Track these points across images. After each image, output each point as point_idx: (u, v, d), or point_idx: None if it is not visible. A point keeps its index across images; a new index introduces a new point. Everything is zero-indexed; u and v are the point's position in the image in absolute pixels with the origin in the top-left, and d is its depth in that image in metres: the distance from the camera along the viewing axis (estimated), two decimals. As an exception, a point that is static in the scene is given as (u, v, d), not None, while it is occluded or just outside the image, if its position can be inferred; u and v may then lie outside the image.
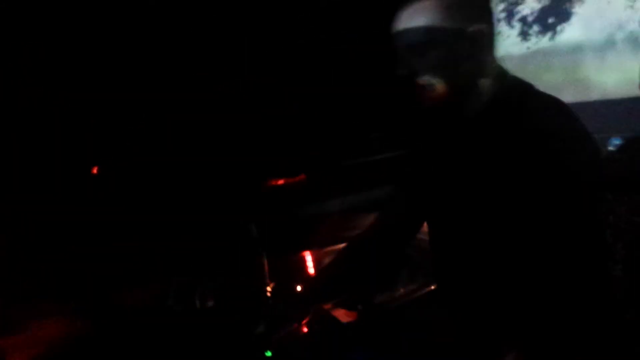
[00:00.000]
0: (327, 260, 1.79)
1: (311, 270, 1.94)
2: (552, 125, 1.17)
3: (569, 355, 1.13)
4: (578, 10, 2.86)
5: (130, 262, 1.96)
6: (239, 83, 2.41)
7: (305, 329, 1.29)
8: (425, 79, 1.20)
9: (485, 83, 1.23)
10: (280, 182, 2.55)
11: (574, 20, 2.86)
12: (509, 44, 3.08)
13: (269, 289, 1.59)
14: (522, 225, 1.17)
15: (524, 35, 3.05)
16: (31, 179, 2.12)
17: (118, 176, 2.10)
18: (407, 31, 1.20)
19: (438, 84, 1.20)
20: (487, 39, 1.23)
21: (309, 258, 2.00)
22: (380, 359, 1.29)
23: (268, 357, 1.30)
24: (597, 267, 1.16)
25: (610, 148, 2.37)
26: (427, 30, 1.18)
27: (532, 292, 1.17)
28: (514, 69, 1.29)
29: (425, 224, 1.44)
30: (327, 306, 1.59)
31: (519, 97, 1.23)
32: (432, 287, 1.73)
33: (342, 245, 1.65)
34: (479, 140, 1.24)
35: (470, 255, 1.27)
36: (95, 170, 2.11)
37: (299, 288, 1.60)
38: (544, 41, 2.98)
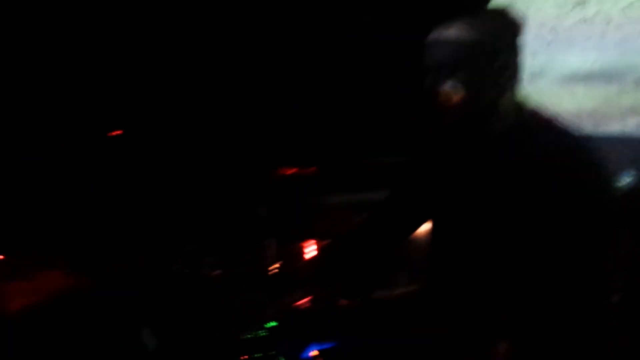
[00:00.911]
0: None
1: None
2: (569, 158, 1.21)
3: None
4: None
5: (141, 227, 1.97)
6: (260, 77, 2.43)
7: (306, 306, 1.31)
8: (451, 86, 1.24)
9: (508, 109, 1.28)
10: (293, 171, 2.58)
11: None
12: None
13: (275, 266, 1.62)
14: (529, 247, 1.21)
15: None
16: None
17: (137, 145, 2.12)
18: (444, 44, 1.24)
19: (462, 94, 1.23)
20: (516, 67, 1.27)
21: (314, 246, 2.03)
22: (369, 347, 1.31)
23: (269, 327, 1.33)
24: (597, 293, 1.20)
25: (624, 182, 2.40)
26: (462, 47, 1.23)
27: (529, 304, 1.20)
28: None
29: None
30: (328, 292, 1.61)
31: (539, 126, 1.28)
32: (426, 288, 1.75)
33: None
34: (494, 162, 1.28)
35: (471, 265, 1.30)
36: (115, 134, 2.13)
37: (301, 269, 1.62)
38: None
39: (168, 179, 2.05)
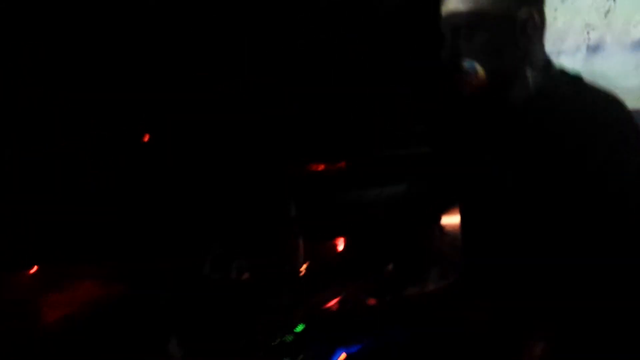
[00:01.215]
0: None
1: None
2: (606, 117, 1.13)
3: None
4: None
5: (170, 232, 1.97)
6: (281, 72, 2.40)
7: (335, 307, 1.28)
8: (468, 65, 1.17)
9: (532, 72, 1.20)
10: (321, 167, 2.54)
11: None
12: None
13: (303, 267, 1.59)
14: (566, 216, 1.13)
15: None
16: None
17: (165, 147, 2.12)
18: (454, 14, 1.18)
19: (480, 71, 1.17)
20: (536, 26, 1.19)
21: (343, 244, 1.99)
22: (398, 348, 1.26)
23: (297, 332, 1.30)
24: None
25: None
26: (472, 14, 1.16)
27: (572, 285, 1.13)
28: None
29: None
30: (357, 291, 1.57)
31: (569, 87, 1.19)
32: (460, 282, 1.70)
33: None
34: (524, 130, 1.20)
35: (506, 244, 1.23)
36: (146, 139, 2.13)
37: (330, 268, 1.59)
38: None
39: (194, 181, 2.04)
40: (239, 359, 1.25)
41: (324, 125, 2.58)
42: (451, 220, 1.93)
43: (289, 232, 1.69)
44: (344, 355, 1.22)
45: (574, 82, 1.21)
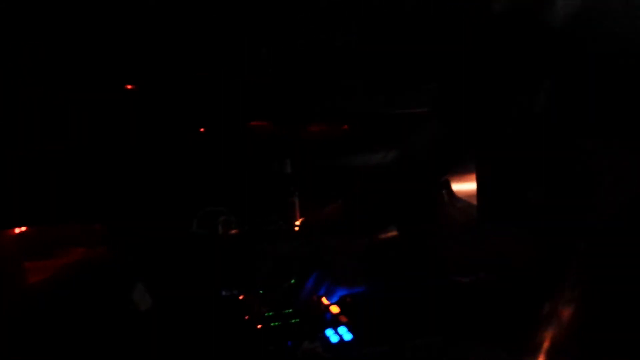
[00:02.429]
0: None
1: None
2: None
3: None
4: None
5: (157, 193, 1.89)
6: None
7: (333, 255, 1.18)
8: None
9: None
10: (320, 128, 2.43)
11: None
12: None
13: (297, 223, 1.49)
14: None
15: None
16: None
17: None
18: None
19: None
20: None
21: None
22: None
23: (292, 284, 1.22)
24: None
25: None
26: None
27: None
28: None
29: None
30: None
31: None
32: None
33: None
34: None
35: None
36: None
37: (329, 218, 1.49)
38: None
39: (185, 139, 1.95)
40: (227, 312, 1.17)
41: (322, 84, 2.47)
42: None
43: (283, 189, 1.59)
44: (334, 306, 1.13)
45: None
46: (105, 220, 1.90)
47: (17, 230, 1.86)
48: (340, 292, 1.13)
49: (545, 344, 1.01)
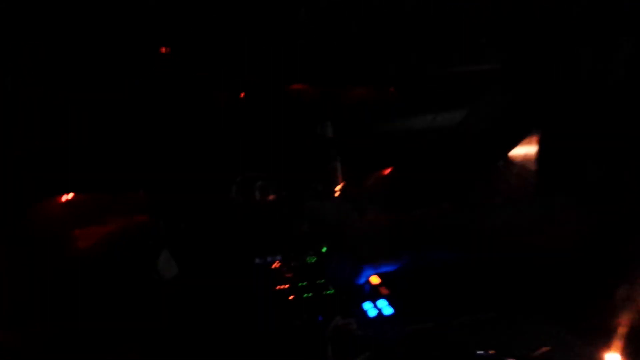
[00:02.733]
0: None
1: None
2: None
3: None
4: None
5: (197, 159, 1.88)
6: None
7: (369, 227, 1.11)
8: None
9: None
10: (365, 92, 2.34)
11: None
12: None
13: (337, 188, 1.43)
14: None
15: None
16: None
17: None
18: None
19: None
20: None
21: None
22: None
23: (322, 252, 1.16)
24: None
25: None
26: None
27: None
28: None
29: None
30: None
31: None
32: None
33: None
34: None
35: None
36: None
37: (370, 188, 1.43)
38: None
39: (225, 104, 1.91)
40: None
41: (371, 46, 2.38)
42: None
43: (324, 152, 1.53)
44: (375, 276, 1.06)
45: None
46: (147, 188, 1.91)
47: (65, 198, 1.90)
48: (368, 272, 1.04)
49: (621, 329, 0.93)
